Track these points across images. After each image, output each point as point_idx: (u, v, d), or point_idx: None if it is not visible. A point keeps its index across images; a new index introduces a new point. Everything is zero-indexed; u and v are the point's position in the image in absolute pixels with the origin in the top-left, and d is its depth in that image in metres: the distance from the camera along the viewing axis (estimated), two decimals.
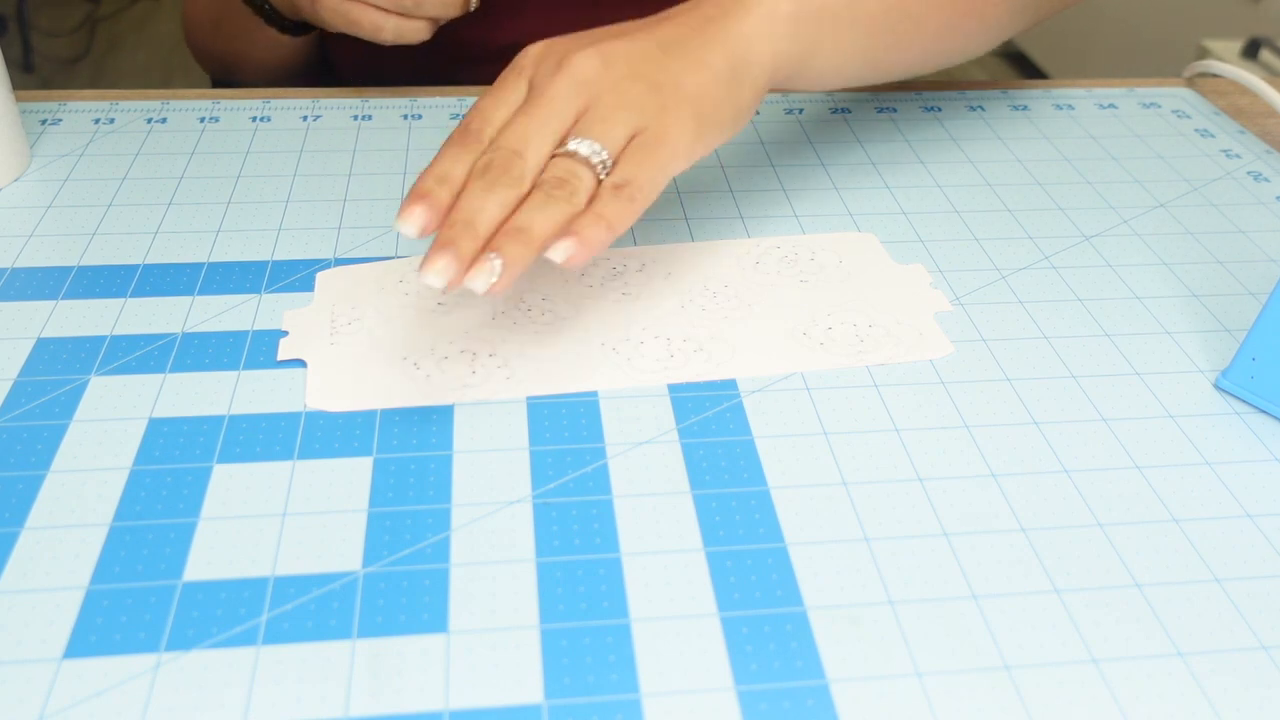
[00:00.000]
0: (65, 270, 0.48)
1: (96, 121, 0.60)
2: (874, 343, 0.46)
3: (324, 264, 0.49)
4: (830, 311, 0.47)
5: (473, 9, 0.56)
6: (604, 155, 0.40)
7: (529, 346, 0.44)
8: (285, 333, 0.45)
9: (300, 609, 0.34)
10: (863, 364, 0.44)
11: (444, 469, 0.39)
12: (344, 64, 0.72)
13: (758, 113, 0.63)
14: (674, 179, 0.55)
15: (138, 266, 0.49)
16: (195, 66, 0.74)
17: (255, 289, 0.47)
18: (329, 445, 0.40)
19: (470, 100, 0.63)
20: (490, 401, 0.42)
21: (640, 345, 0.45)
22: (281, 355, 0.44)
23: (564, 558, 0.36)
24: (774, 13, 0.44)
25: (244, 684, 0.32)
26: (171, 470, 0.39)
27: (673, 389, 0.43)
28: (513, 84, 0.42)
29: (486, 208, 0.38)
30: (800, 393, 0.43)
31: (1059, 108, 0.67)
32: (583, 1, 0.64)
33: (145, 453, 0.39)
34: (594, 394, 0.43)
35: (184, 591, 0.34)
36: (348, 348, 0.44)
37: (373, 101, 0.63)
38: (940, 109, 0.65)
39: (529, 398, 0.42)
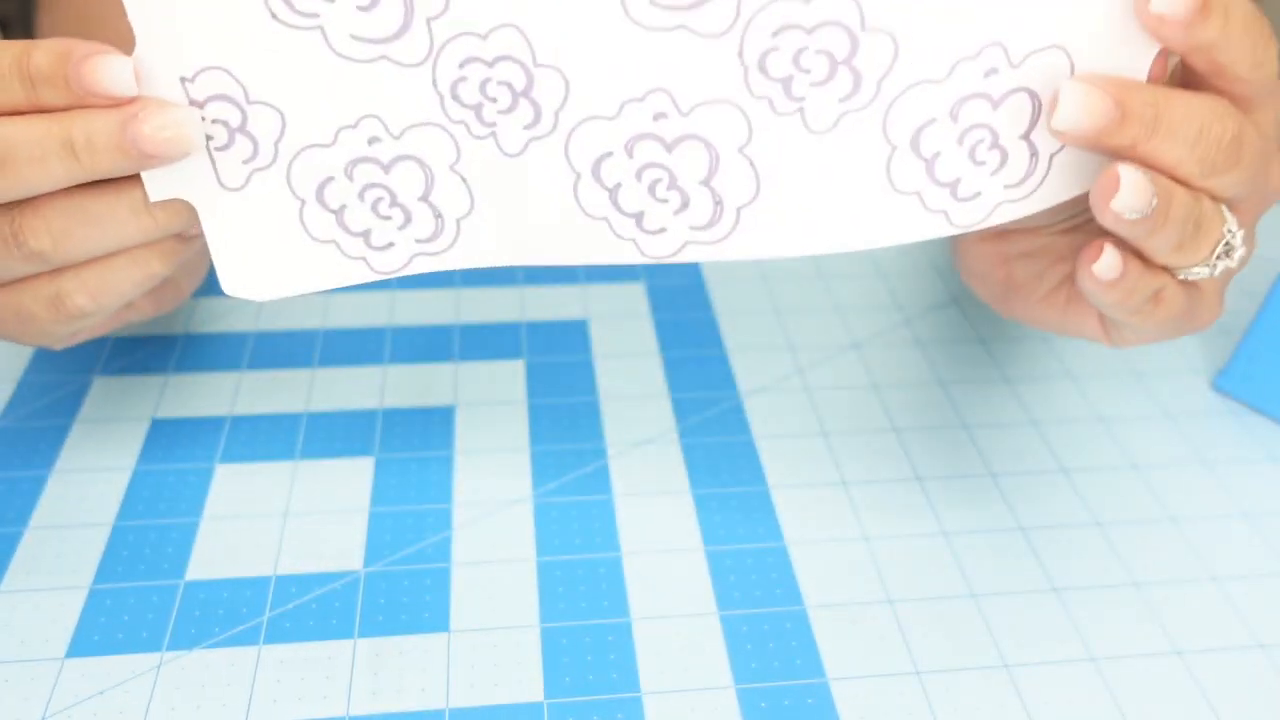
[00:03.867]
0: None
1: None
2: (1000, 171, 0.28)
3: None
4: (1006, 86, 0.27)
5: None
6: None
7: (501, 172, 0.30)
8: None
9: (302, 608, 0.34)
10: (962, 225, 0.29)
11: (445, 469, 0.39)
12: None
13: None
14: None
15: None
16: None
17: None
18: (330, 445, 0.40)
19: None
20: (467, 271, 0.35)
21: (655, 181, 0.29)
22: (153, 195, 0.30)
23: (564, 557, 0.36)
24: None
25: (246, 683, 0.32)
26: (174, 470, 0.39)
27: (673, 389, 0.43)
28: None
29: None
30: (800, 393, 0.43)
31: None
32: None
33: (148, 452, 0.39)
34: (594, 395, 0.43)
35: (186, 591, 0.35)
36: (237, 173, 0.30)
37: None
38: None
39: (530, 400, 0.42)
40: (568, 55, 0.28)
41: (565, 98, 0.28)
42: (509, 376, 0.44)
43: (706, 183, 0.28)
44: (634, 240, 0.29)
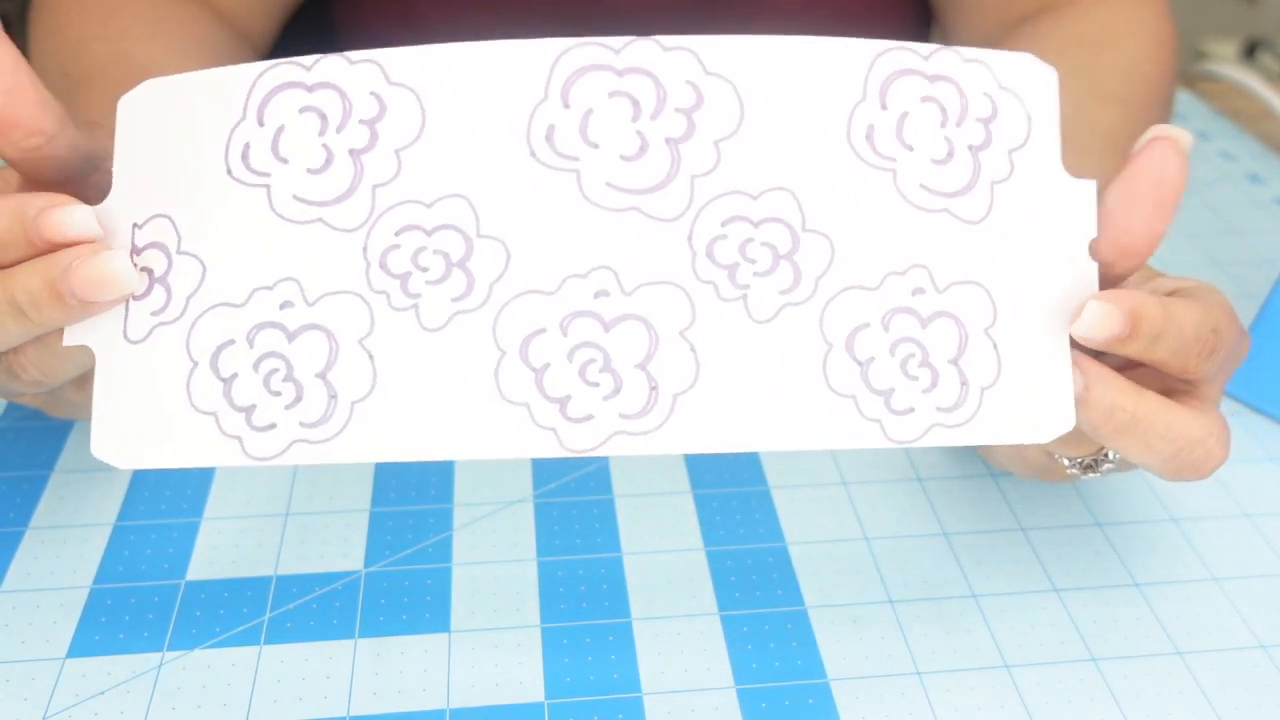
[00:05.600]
0: None
1: None
2: (960, 394, 0.29)
3: None
4: (932, 308, 0.29)
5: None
6: None
7: (414, 349, 0.28)
8: None
9: (303, 608, 0.34)
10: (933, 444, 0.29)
11: (445, 468, 0.39)
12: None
13: None
14: None
15: None
16: None
17: None
18: None
19: None
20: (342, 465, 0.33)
21: (571, 363, 0.28)
22: (66, 339, 0.29)
23: (565, 557, 0.36)
24: None
25: (246, 683, 0.32)
26: (175, 471, 0.39)
27: None
28: None
29: None
30: None
31: None
32: None
33: None
34: None
35: (187, 591, 0.35)
36: (142, 325, 0.29)
37: None
38: None
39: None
40: (514, 227, 0.28)
41: (504, 270, 0.28)
42: None
43: (643, 366, 0.28)
44: (554, 430, 0.27)
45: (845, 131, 0.29)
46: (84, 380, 0.33)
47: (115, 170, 0.30)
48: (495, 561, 0.36)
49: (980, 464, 0.40)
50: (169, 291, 0.29)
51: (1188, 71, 0.71)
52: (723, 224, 0.28)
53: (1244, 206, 0.57)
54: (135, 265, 0.29)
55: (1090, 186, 0.30)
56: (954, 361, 0.29)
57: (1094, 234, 0.30)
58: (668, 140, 0.28)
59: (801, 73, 0.29)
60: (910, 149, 0.29)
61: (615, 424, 0.27)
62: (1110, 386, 0.30)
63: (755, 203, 0.28)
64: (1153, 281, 0.34)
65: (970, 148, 0.29)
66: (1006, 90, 0.30)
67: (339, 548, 0.36)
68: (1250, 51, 1.64)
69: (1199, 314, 0.31)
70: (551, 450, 0.27)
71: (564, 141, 0.28)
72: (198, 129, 0.29)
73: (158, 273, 0.29)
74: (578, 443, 0.27)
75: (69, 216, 0.29)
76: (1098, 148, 0.47)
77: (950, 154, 0.29)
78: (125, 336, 0.29)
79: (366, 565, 0.36)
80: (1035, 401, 0.29)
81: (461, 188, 0.28)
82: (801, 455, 0.40)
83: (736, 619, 0.34)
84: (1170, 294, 0.33)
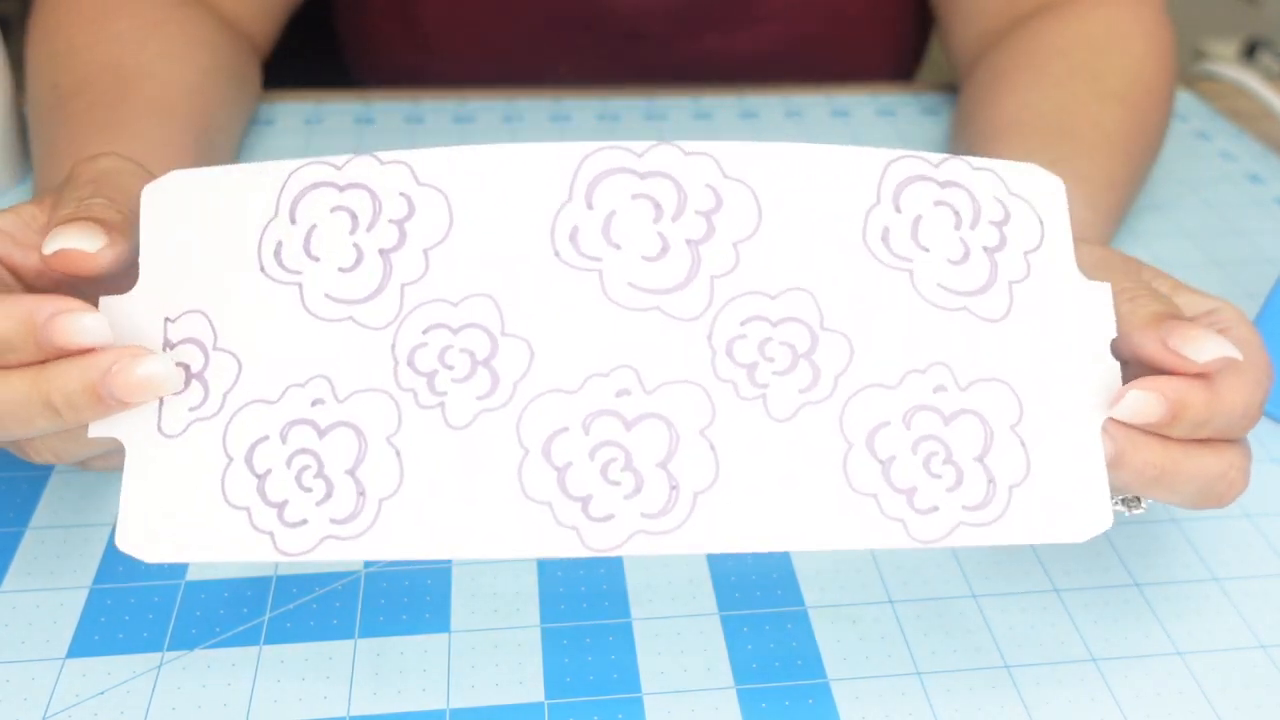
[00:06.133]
0: None
1: None
2: (987, 498, 0.28)
3: None
4: (955, 406, 0.29)
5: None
6: None
7: (439, 447, 0.29)
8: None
9: (303, 608, 0.34)
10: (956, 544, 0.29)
11: None
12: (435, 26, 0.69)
13: (757, 115, 0.64)
14: None
15: None
16: None
17: None
18: None
19: (473, 103, 0.63)
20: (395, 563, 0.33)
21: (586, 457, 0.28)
22: (92, 431, 0.29)
23: (565, 557, 0.36)
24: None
25: (246, 683, 0.32)
26: None
27: None
28: None
29: None
30: None
31: None
32: None
33: None
34: None
35: (187, 591, 0.35)
36: (179, 420, 0.29)
37: (375, 105, 0.63)
38: (939, 112, 0.66)
39: None
40: (538, 327, 0.28)
41: (528, 369, 0.28)
42: None
43: (664, 465, 0.28)
44: (576, 529, 0.27)
45: (861, 233, 0.29)
46: (106, 455, 0.33)
47: (142, 262, 0.30)
48: (495, 561, 0.36)
49: None
50: (206, 388, 0.29)
51: (1188, 71, 0.71)
52: (742, 323, 0.28)
53: (1244, 206, 0.57)
54: (172, 361, 0.29)
55: (1105, 289, 0.30)
56: (979, 459, 0.28)
57: (1113, 334, 0.30)
58: (688, 241, 0.29)
59: (816, 177, 0.29)
60: (926, 250, 0.29)
61: (636, 523, 0.27)
62: (1140, 451, 0.30)
63: (774, 302, 0.28)
64: (1177, 298, 0.33)
65: (985, 249, 0.30)
66: (1016, 196, 0.30)
67: None
68: (1250, 51, 1.64)
69: (1248, 390, 0.30)
70: (573, 550, 0.27)
71: (587, 242, 0.29)
72: (229, 224, 0.30)
73: (194, 369, 0.29)
74: (599, 542, 0.27)
75: (81, 324, 0.28)
76: (1102, 147, 0.47)
77: (966, 255, 0.29)
78: (160, 430, 0.29)
79: (366, 565, 0.36)
80: (1068, 500, 0.28)
81: (487, 287, 0.29)
82: None
83: (736, 619, 0.34)
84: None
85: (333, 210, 0.29)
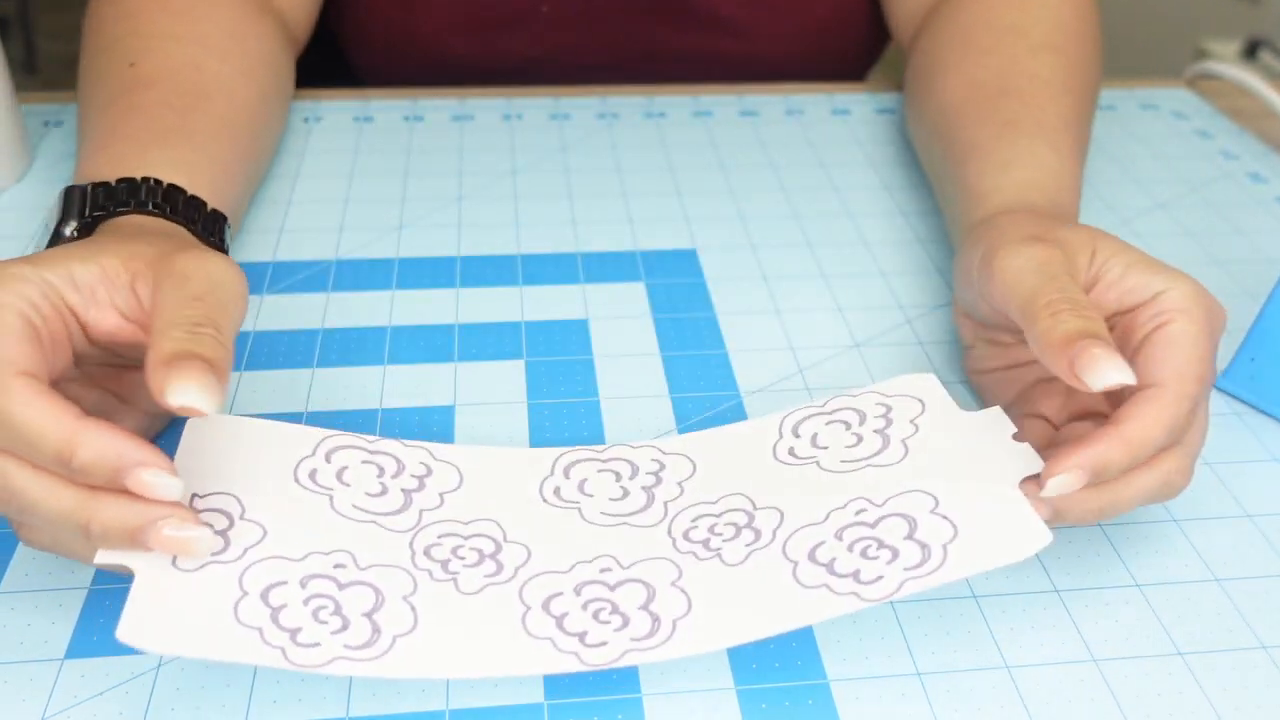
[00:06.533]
0: None
1: None
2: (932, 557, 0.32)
3: (325, 265, 0.49)
4: (877, 515, 0.34)
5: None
6: None
7: (452, 605, 0.32)
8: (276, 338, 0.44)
9: None
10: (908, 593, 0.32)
11: None
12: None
13: (757, 113, 0.64)
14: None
15: None
16: None
17: (257, 290, 0.48)
18: None
19: (472, 102, 0.63)
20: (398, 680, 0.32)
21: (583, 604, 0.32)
22: (98, 559, 0.31)
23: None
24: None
25: (245, 683, 0.32)
26: None
27: (673, 389, 0.43)
28: None
29: None
30: (800, 393, 0.43)
31: None
32: None
33: None
34: (595, 395, 0.43)
35: None
36: (201, 569, 0.31)
37: (374, 104, 0.63)
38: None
39: (530, 400, 0.42)
40: (533, 538, 0.34)
41: (527, 560, 0.33)
42: (509, 376, 0.44)
43: (645, 607, 0.32)
44: (575, 654, 0.31)
45: (771, 454, 0.37)
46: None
47: (178, 457, 0.33)
48: None
49: None
50: (228, 542, 0.32)
51: (1189, 70, 0.71)
52: (692, 520, 0.35)
53: (1245, 205, 0.57)
54: (212, 533, 0.31)
55: (996, 412, 0.37)
56: (909, 537, 0.33)
57: (1013, 430, 0.36)
58: (644, 488, 0.36)
59: (732, 437, 0.38)
60: (825, 449, 0.37)
61: (626, 645, 0.31)
62: (1076, 505, 0.33)
63: (715, 504, 0.36)
64: (1129, 279, 0.36)
65: (876, 431, 0.37)
66: (895, 395, 0.38)
67: None
68: (1251, 51, 1.64)
69: (1171, 407, 0.33)
70: (574, 667, 0.31)
71: (567, 494, 0.36)
72: (266, 452, 0.35)
73: (218, 528, 0.32)
74: (596, 659, 0.31)
75: (163, 484, 0.30)
76: (1045, 93, 0.49)
77: (860, 440, 0.37)
78: (174, 565, 0.31)
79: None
80: (1003, 536, 0.33)
81: (492, 516, 0.35)
82: None
83: None
84: (1139, 337, 0.35)
85: (363, 462, 0.35)
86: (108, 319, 0.34)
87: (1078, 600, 0.36)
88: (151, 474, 0.29)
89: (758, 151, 0.60)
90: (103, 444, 0.29)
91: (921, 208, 0.56)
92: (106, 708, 0.31)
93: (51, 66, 2.22)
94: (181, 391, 0.30)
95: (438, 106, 0.63)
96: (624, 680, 0.32)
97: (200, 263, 0.34)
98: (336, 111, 0.62)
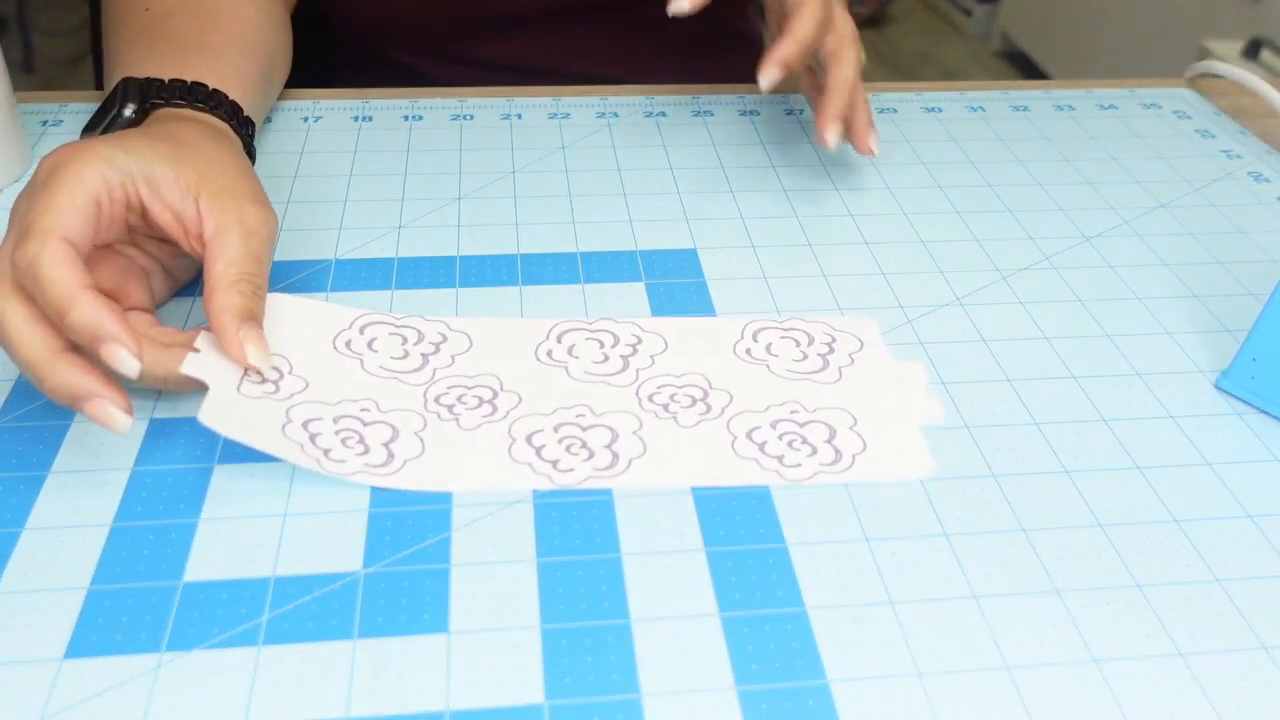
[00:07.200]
0: None
1: None
2: (845, 458, 0.40)
3: (325, 264, 0.49)
4: (806, 419, 0.42)
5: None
6: None
7: (454, 438, 0.40)
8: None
9: (301, 609, 0.34)
10: (823, 481, 0.39)
11: None
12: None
13: (756, 112, 0.63)
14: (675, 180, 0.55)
15: None
16: None
17: None
18: None
19: (472, 101, 0.63)
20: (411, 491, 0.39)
21: (555, 437, 0.40)
22: (185, 368, 0.39)
23: (564, 558, 0.36)
24: None
25: (245, 684, 0.32)
26: (172, 470, 0.39)
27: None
28: None
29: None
30: None
31: (1059, 108, 0.67)
32: None
33: (146, 453, 0.39)
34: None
35: (185, 592, 0.34)
36: (254, 391, 0.40)
37: (373, 103, 0.63)
38: (940, 109, 0.65)
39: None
40: (525, 389, 0.42)
41: (518, 404, 0.42)
42: None
43: (609, 446, 0.40)
44: (548, 475, 0.39)
45: (732, 350, 0.45)
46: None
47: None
48: (494, 562, 0.36)
49: (982, 464, 0.40)
50: (279, 386, 0.41)
51: (1191, 70, 0.71)
52: (657, 387, 0.43)
53: (1247, 205, 0.57)
54: (129, 423, 0.37)
55: (918, 367, 0.45)
56: (828, 441, 0.41)
57: (925, 383, 0.44)
58: (621, 355, 0.44)
59: (703, 325, 0.47)
60: (776, 356, 0.45)
61: (589, 472, 0.39)
62: (796, 60, 0.52)
63: (679, 379, 0.43)
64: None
65: (820, 354, 0.45)
66: (842, 330, 0.47)
67: (338, 548, 0.36)
68: (1253, 50, 1.64)
69: (808, 14, 0.51)
70: (545, 485, 0.39)
71: (558, 355, 0.44)
72: (311, 324, 0.44)
73: (271, 379, 0.41)
74: (564, 481, 0.39)
75: (122, 359, 0.36)
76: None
77: (805, 357, 0.45)
78: (238, 390, 0.39)
79: (365, 566, 0.36)
80: (899, 460, 0.40)
81: (494, 372, 0.43)
82: None
83: (736, 619, 0.34)
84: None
85: (390, 334, 0.45)
86: (164, 216, 0.41)
87: (1078, 600, 0.36)
88: (115, 349, 0.36)
89: (758, 151, 0.60)
90: (93, 313, 0.36)
91: (922, 208, 0.56)
92: (106, 708, 0.31)
93: (49, 66, 2.22)
94: (255, 355, 0.39)
95: (437, 106, 0.63)
96: (624, 680, 0.32)
97: (264, 219, 0.42)
98: (336, 111, 0.62)
